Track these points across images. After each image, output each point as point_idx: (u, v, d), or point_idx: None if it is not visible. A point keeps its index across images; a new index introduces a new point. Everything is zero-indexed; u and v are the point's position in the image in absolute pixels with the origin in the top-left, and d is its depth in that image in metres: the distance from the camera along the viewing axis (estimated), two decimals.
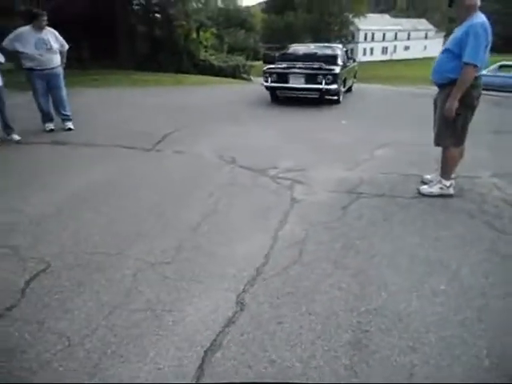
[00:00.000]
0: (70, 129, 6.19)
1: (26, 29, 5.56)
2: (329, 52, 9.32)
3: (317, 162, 4.78)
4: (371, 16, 50.98)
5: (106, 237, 3.00)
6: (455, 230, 3.12)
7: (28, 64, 5.58)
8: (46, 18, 5.54)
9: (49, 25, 5.73)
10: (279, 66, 8.70)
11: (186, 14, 18.14)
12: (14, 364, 1.85)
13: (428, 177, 4.06)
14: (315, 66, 8.30)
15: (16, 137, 5.65)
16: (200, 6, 25.21)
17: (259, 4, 56.55)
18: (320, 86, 8.20)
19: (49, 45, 5.58)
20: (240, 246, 2.86)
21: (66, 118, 6.20)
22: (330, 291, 2.35)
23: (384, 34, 57.83)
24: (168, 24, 18.50)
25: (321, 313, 2.17)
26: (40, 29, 5.52)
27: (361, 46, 56.34)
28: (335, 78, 8.15)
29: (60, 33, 5.90)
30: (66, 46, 6.00)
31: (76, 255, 2.75)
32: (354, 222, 3.25)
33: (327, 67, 8.23)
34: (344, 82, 9.07)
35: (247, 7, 59.52)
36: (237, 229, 3.13)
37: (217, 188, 3.93)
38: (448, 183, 3.75)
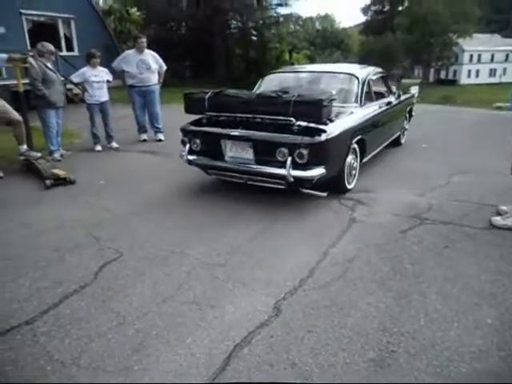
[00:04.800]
0: (160, 140, 6.89)
1: (130, 51, 6.44)
2: (327, 87, 4.64)
3: (387, 184, 4.73)
4: (478, 36, 47.73)
5: (173, 237, 3.35)
6: None
7: (130, 81, 6.40)
8: (144, 40, 6.32)
9: (157, 47, 6.53)
10: (209, 119, 4.15)
11: (280, 37, 18.86)
12: (78, 330, 2.21)
13: (504, 208, 3.81)
14: (279, 123, 3.71)
15: (115, 144, 6.47)
16: (298, 27, 25.95)
17: (357, 25, 56.30)
18: (281, 172, 3.64)
19: (148, 65, 6.34)
20: (289, 258, 3.00)
21: (157, 131, 6.93)
22: (366, 309, 2.39)
23: (493, 55, 53.71)
24: (262, 46, 19.41)
25: (352, 328, 2.22)
26: (141, 51, 6.31)
27: (465, 68, 52.94)
28: (320, 154, 3.63)
29: (167, 54, 6.67)
30: (164, 68, 6.75)
31: (145, 250, 3.13)
32: (410, 246, 3.20)
33: (304, 126, 3.68)
34: (363, 147, 4.50)
35: (344, 29, 59.76)
36: (290, 242, 3.27)
37: (280, 203, 4.10)
38: None
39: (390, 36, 42.16)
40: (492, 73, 54.29)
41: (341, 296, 2.52)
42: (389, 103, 5.38)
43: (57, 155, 5.81)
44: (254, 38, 20.02)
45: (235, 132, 3.89)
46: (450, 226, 3.57)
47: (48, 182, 4.69)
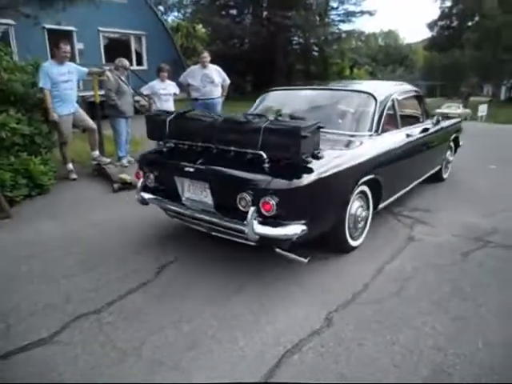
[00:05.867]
0: None
1: (195, 66, 6.81)
2: (332, 109, 3.85)
3: (449, 204, 4.56)
4: None
5: (227, 244, 3.46)
6: None
7: (194, 94, 6.73)
8: (206, 55, 6.64)
9: (221, 62, 6.88)
10: (169, 148, 3.34)
11: (342, 52, 18.87)
12: (139, 323, 2.37)
13: None
14: (247, 158, 2.76)
15: None
16: (360, 43, 25.81)
17: (422, 41, 54.75)
18: (239, 225, 2.69)
19: (211, 79, 6.63)
20: (344, 271, 3.01)
21: None
22: (421, 328, 2.33)
23: None
24: (323, 62, 19.50)
25: (405, 345, 2.19)
26: (204, 66, 6.62)
27: None
28: (297, 204, 2.64)
29: (229, 69, 6.97)
30: (228, 81, 7.01)
31: (203, 253, 3.27)
32: (471, 268, 3.07)
33: (277, 164, 2.68)
34: (377, 189, 3.46)
35: (409, 44, 58.31)
36: (345, 256, 3.25)
37: None
38: None
39: (457, 52, 40.54)
40: None
41: (395, 313, 2.48)
42: (424, 130, 4.33)
43: (124, 161, 6.22)
44: (316, 53, 20.14)
45: (190, 168, 2.96)
46: None
47: (116, 185, 5.04)
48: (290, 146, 2.55)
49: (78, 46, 14.19)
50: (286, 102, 4.28)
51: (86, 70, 5.64)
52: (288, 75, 19.44)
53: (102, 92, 6.23)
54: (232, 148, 2.82)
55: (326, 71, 19.18)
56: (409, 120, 4.33)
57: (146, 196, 3.37)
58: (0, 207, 4.12)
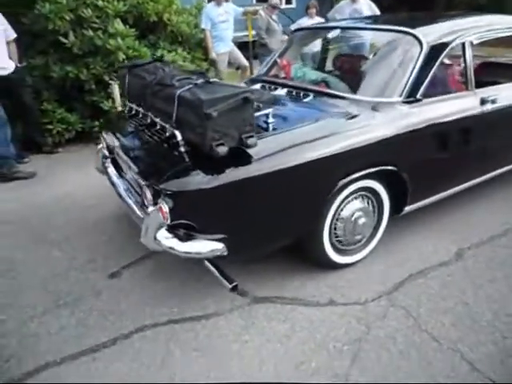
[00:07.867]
0: None
1: (345, 1, 6.54)
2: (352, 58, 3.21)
3: None
4: None
5: None
6: None
7: None
8: None
9: None
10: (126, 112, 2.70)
11: None
12: None
13: None
14: (165, 136, 2.07)
15: None
16: None
17: None
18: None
19: (360, 14, 6.36)
20: (483, 215, 2.91)
21: None
22: None
23: None
24: None
25: None
26: (354, 0, 6.34)
27: None
28: (205, 213, 1.87)
29: (378, 3, 6.59)
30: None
31: None
32: None
33: (195, 153, 1.91)
34: (401, 188, 2.36)
35: None
36: (487, 200, 3.10)
37: None
38: None
39: None
40: None
41: None
42: None
43: None
44: None
45: (117, 140, 2.49)
46: None
47: None
48: (196, 126, 1.78)
49: None
50: (308, 47, 3.60)
51: (241, 9, 6.01)
52: (449, 9, 17.12)
53: (254, 32, 6.57)
54: (158, 120, 2.17)
55: (498, 3, 16.30)
56: (500, 75, 2.98)
57: (110, 169, 2.69)
58: None
